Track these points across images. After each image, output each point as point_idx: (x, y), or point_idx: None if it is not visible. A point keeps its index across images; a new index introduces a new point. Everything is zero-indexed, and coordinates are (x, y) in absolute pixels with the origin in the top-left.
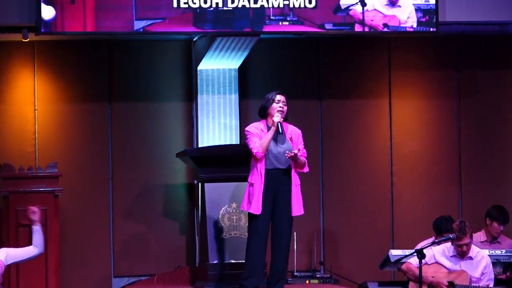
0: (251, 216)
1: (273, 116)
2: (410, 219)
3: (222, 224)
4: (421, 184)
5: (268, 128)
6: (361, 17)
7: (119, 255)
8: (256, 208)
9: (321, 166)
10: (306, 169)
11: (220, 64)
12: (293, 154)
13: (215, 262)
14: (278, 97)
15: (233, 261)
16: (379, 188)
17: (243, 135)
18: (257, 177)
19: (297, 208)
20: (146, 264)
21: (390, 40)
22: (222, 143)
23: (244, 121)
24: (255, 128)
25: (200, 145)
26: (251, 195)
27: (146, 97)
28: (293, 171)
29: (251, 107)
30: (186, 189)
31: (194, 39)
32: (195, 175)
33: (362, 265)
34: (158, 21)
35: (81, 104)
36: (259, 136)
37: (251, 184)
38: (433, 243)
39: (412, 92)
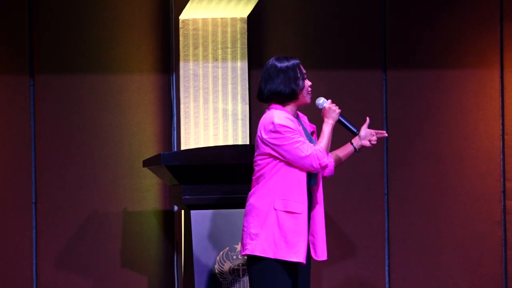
0: (275, 264)
1: (304, 101)
2: None
3: (221, 279)
4: None
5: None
6: None
7: None
8: (300, 253)
9: (385, 179)
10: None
11: (216, 10)
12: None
13: None
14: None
15: None
16: (483, 221)
17: (254, 130)
18: (300, 201)
19: (323, 247)
20: None
21: None
22: (220, 143)
23: (256, 106)
24: (292, 122)
25: (183, 147)
26: (291, 232)
27: (93, 67)
28: (321, 184)
29: None
30: (160, 220)
31: None
32: (174, 197)
33: None
34: None
35: None
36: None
37: (292, 214)
38: None
39: None
